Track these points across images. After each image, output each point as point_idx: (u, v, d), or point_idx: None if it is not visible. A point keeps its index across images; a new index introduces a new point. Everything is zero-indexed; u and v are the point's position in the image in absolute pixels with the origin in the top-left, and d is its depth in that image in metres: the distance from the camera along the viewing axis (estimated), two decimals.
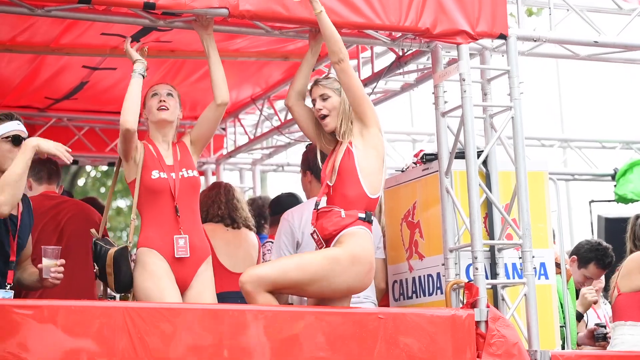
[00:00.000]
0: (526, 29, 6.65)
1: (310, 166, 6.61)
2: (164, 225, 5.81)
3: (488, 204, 6.40)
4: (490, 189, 6.36)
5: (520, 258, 6.22)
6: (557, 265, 6.97)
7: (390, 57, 7.25)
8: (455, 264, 6.24)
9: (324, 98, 5.97)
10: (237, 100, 9.20)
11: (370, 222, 5.81)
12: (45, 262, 5.57)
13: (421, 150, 6.79)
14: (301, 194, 7.52)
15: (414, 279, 6.63)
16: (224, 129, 10.06)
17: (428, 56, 6.78)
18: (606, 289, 7.97)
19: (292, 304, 6.43)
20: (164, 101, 5.99)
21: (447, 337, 5.76)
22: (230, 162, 10.58)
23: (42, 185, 7.14)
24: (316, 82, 6.01)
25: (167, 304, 5.47)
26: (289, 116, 8.75)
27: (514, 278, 6.40)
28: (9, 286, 5.53)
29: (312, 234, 5.89)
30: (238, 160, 10.69)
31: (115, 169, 6.22)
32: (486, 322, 5.88)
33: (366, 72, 7.62)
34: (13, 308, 5.00)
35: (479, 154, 6.25)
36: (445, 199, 6.27)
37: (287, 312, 5.55)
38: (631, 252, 7.13)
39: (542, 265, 6.53)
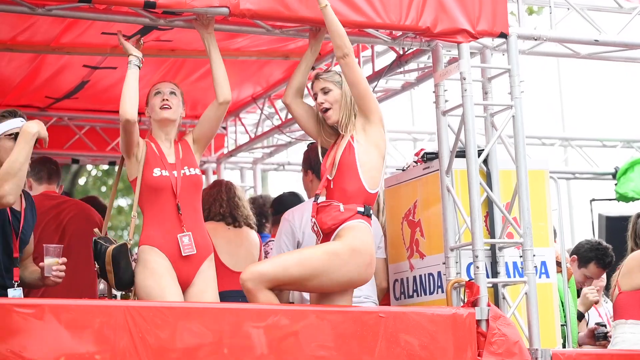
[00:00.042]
0: (527, 27, 6.64)
1: (311, 165, 6.62)
2: (166, 223, 5.81)
3: (489, 203, 6.40)
4: (491, 188, 6.36)
5: (521, 257, 6.22)
6: (558, 263, 6.97)
7: (391, 56, 7.26)
8: (456, 262, 6.24)
9: (325, 91, 5.98)
10: (238, 99, 9.20)
11: (369, 216, 5.82)
12: (47, 260, 5.56)
13: (422, 149, 6.79)
14: (302, 193, 7.52)
15: (414, 277, 6.63)
16: (224, 128, 10.06)
17: (429, 55, 6.79)
18: (607, 288, 7.97)
19: (292, 302, 6.44)
20: (167, 100, 5.99)
21: (448, 336, 5.77)
22: (231, 161, 10.58)
23: (42, 185, 7.14)
24: (317, 77, 6.02)
25: (168, 303, 5.47)
26: (290, 115, 8.75)
27: (514, 277, 6.40)
28: (16, 284, 5.53)
29: (312, 227, 5.90)
30: (239, 160, 10.69)
31: (117, 167, 6.23)
32: (487, 320, 5.88)
33: (367, 71, 7.61)
34: (14, 307, 4.99)
35: (480, 152, 6.25)
36: (446, 197, 6.27)
37: (287, 311, 5.55)
38: (632, 250, 7.13)
39: (543, 263, 6.53)
